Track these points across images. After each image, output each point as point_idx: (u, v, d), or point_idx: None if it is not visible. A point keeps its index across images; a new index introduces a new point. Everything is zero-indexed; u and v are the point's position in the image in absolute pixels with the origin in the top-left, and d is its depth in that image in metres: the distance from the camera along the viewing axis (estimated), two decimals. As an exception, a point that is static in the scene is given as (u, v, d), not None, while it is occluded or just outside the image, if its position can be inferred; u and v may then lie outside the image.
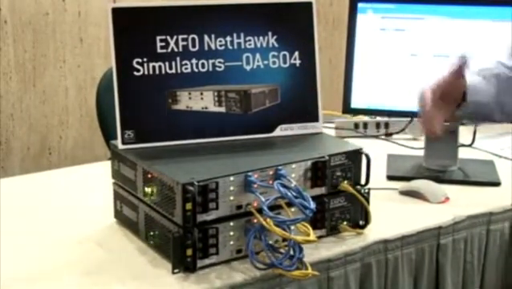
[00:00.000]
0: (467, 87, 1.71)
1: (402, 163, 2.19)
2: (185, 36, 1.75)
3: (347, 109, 2.23)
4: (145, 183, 1.65)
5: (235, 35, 1.78)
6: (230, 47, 1.78)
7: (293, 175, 1.64)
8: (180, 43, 1.75)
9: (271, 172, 1.61)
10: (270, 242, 1.58)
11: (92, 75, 3.61)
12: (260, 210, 1.56)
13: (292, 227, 1.58)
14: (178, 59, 1.75)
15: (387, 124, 2.48)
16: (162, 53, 1.74)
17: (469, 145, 2.22)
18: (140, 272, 1.59)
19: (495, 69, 1.73)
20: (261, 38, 1.80)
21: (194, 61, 1.76)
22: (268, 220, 1.54)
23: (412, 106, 2.15)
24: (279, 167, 1.62)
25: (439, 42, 2.13)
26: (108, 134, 2.56)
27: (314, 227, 1.66)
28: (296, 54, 1.82)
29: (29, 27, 3.46)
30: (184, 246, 1.54)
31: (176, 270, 1.55)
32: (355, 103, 2.20)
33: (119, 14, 1.72)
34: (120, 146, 1.73)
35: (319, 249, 1.68)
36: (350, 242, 1.73)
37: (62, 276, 1.58)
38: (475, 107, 1.73)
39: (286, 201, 1.59)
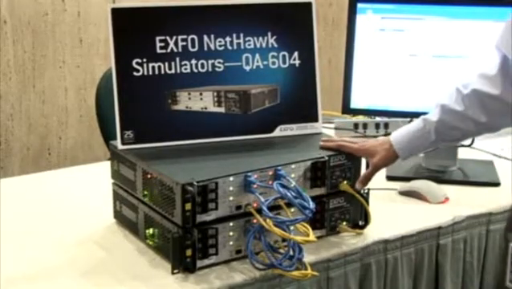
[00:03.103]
0: None
1: (402, 163, 2.19)
2: (185, 36, 1.75)
3: (347, 109, 2.23)
4: (145, 183, 1.65)
5: (235, 36, 1.78)
6: (230, 48, 1.78)
7: (292, 175, 1.64)
8: (180, 44, 1.75)
9: (271, 173, 1.61)
10: (270, 243, 1.58)
11: (92, 75, 3.61)
12: (259, 211, 1.56)
13: (292, 227, 1.58)
14: (178, 59, 1.75)
15: (386, 125, 2.48)
16: (162, 53, 1.74)
17: (469, 145, 2.21)
18: (139, 272, 1.59)
19: None
20: (260, 38, 1.80)
21: (194, 61, 1.76)
22: (268, 220, 1.54)
23: (412, 106, 2.16)
24: (279, 167, 1.62)
25: (438, 42, 2.13)
26: (108, 134, 2.56)
27: (314, 227, 1.66)
28: (296, 54, 1.82)
29: (28, 27, 3.46)
30: (183, 246, 1.54)
31: (175, 271, 1.55)
32: (355, 103, 2.20)
33: (118, 15, 1.72)
34: (120, 146, 1.73)
35: (319, 249, 1.68)
36: (349, 242, 1.73)
37: (62, 276, 1.58)
38: None
39: (286, 202, 1.59)
